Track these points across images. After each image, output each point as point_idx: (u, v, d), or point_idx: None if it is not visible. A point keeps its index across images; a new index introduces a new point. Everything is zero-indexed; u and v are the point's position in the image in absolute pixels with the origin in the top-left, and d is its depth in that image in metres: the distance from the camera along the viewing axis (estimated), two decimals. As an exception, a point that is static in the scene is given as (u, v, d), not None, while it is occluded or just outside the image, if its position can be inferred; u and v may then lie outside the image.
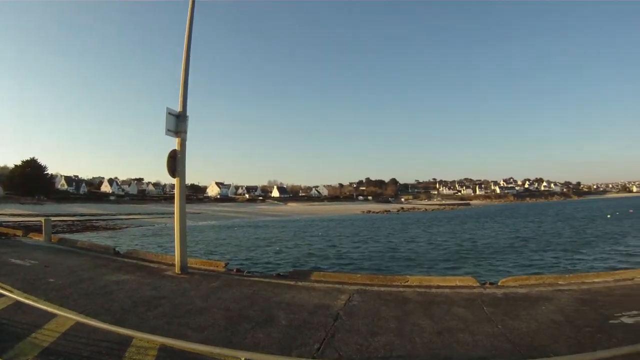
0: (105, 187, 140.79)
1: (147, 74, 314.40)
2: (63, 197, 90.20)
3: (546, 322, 5.09)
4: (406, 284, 7.66)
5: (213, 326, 5.09)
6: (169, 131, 8.49)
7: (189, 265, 8.98)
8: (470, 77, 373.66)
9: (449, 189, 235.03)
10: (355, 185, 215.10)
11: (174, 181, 8.81)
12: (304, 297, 6.61)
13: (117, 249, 12.55)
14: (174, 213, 8.96)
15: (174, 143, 8.72)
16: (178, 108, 8.77)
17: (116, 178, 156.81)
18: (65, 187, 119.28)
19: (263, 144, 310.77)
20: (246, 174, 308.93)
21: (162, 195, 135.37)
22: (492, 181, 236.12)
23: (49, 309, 5.02)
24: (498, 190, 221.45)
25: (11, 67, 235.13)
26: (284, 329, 4.99)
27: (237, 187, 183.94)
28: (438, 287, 7.34)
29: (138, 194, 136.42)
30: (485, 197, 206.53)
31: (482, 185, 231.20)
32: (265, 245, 25.85)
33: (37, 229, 19.69)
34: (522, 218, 56.72)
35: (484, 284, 7.59)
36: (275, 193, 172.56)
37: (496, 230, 35.85)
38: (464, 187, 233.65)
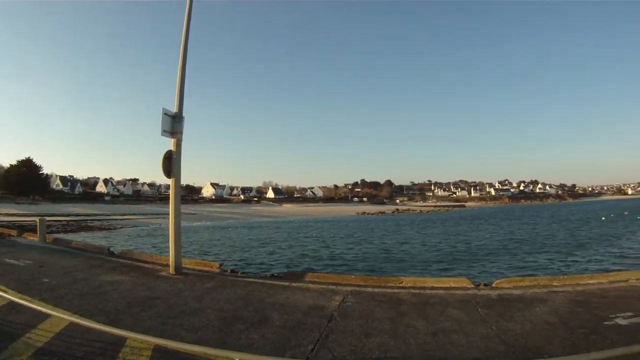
0: (101, 188, 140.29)
1: (143, 74, 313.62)
2: (58, 197, 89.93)
3: (540, 323, 5.10)
4: (400, 285, 7.68)
5: (207, 327, 5.08)
6: (164, 132, 8.47)
7: (183, 265, 8.95)
8: (470, 77, 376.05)
9: (444, 190, 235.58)
10: (350, 187, 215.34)
11: (169, 182, 8.78)
12: (298, 298, 6.61)
13: (111, 249, 12.50)
14: (168, 214, 8.93)
15: (169, 144, 8.71)
16: (174, 109, 8.76)
17: (111, 178, 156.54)
18: (61, 187, 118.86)
19: (258, 145, 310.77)
20: (241, 175, 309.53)
21: (157, 195, 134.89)
22: (487, 183, 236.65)
23: (43, 309, 5.02)
24: (493, 192, 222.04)
25: (6, 67, 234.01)
26: (278, 329, 4.99)
27: (232, 188, 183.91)
28: (432, 288, 7.36)
29: (133, 195, 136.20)
30: (480, 199, 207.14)
31: (477, 187, 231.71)
32: (259, 246, 25.82)
33: (31, 228, 19.58)
34: (516, 220, 56.88)
35: (478, 285, 7.62)
36: (270, 194, 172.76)
37: (490, 232, 35.94)
38: (459, 189, 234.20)
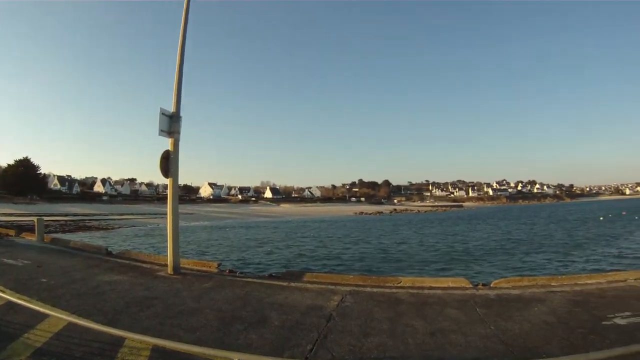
0: (98, 187, 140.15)
1: (140, 74, 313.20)
2: (56, 196, 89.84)
3: (539, 323, 5.11)
4: (399, 285, 7.68)
5: (205, 327, 5.07)
6: (162, 131, 8.45)
7: (181, 265, 8.94)
8: (469, 77, 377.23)
9: (442, 190, 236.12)
10: (348, 187, 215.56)
11: (167, 181, 8.76)
12: (297, 298, 6.60)
13: (109, 249, 12.47)
14: (166, 213, 8.92)
15: (167, 143, 8.70)
16: (171, 108, 8.74)
17: (109, 178, 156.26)
18: (58, 186, 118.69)
19: (256, 145, 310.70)
20: (239, 175, 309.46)
21: (155, 195, 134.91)
22: (485, 183, 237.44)
23: (42, 309, 5.01)
24: (491, 192, 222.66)
25: (5, 67, 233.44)
26: (276, 329, 4.99)
27: (230, 188, 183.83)
28: (430, 288, 7.36)
29: (131, 194, 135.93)
30: (478, 199, 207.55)
31: (475, 187, 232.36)
32: (257, 246, 25.79)
33: (29, 228, 19.56)
34: (514, 220, 56.98)
35: (477, 285, 7.62)
36: (268, 194, 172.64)
37: (488, 232, 35.98)
38: (457, 189, 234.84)
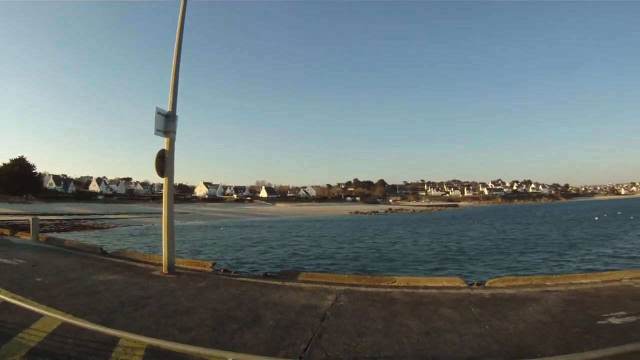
0: (94, 187, 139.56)
1: (137, 74, 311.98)
2: (51, 196, 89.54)
3: (534, 322, 5.12)
4: (393, 284, 7.69)
5: (200, 326, 5.07)
6: (158, 131, 8.43)
7: (176, 265, 8.91)
8: (469, 77, 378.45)
9: (437, 190, 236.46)
10: (343, 186, 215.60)
11: (162, 181, 8.75)
12: (292, 297, 6.60)
13: (104, 248, 12.43)
14: (161, 213, 8.90)
15: (162, 143, 8.68)
16: (167, 108, 8.72)
17: (104, 177, 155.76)
18: (54, 186, 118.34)
19: (251, 144, 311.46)
20: (234, 174, 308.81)
21: (150, 194, 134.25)
22: (480, 183, 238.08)
23: (36, 309, 4.98)
24: (486, 192, 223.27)
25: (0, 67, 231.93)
26: (271, 329, 4.99)
27: (225, 187, 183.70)
28: (425, 287, 7.37)
29: (126, 194, 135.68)
30: (474, 198, 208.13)
31: (471, 187, 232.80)
32: (252, 245, 25.82)
33: (24, 227, 19.44)
34: (509, 219, 57.24)
35: (471, 284, 7.64)
36: (263, 193, 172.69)
37: (483, 232, 36.11)
38: (452, 189, 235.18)
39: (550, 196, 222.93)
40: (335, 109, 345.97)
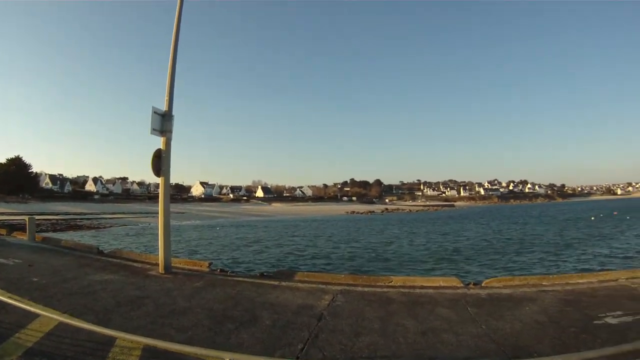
0: (90, 186, 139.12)
1: (135, 74, 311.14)
2: (47, 195, 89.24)
3: (530, 322, 5.13)
4: (390, 284, 7.70)
5: (197, 326, 5.06)
6: (154, 130, 8.40)
7: (172, 265, 8.89)
8: (468, 77, 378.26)
9: (434, 190, 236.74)
10: (339, 186, 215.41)
11: (159, 180, 8.72)
12: (288, 297, 6.60)
13: (100, 248, 12.38)
14: (158, 212, 8.88)
15: (159, 142, 8.66)
16: (163, 107, 8.70)
17: (101, 177, 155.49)
18: (50, 185, 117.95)
19: (248, 144, 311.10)
20: (230, 174, 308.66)
21: (147, 194, 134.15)
22: (476, 183, 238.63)
23: (33, 309, 4.95)
24: (482, 192, 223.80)
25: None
26: (267, 329, 4.98)
27: (221, 187, 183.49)
28: (422, 287, 7.38)
29: (122, 193, 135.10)
30: (470, 198, 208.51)
31: (467, 187, 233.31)
32: (248, 245, 25.80)
33: (21, 227, 19.37)
34: (505, 219, 57.38)
35: (468, 284, 7.64)
36: (260, 193, 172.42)
37: (479, 232, 36.20)
38: (449, 189, 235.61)
39: (546, 196, 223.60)
40: (334, 109, 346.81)
